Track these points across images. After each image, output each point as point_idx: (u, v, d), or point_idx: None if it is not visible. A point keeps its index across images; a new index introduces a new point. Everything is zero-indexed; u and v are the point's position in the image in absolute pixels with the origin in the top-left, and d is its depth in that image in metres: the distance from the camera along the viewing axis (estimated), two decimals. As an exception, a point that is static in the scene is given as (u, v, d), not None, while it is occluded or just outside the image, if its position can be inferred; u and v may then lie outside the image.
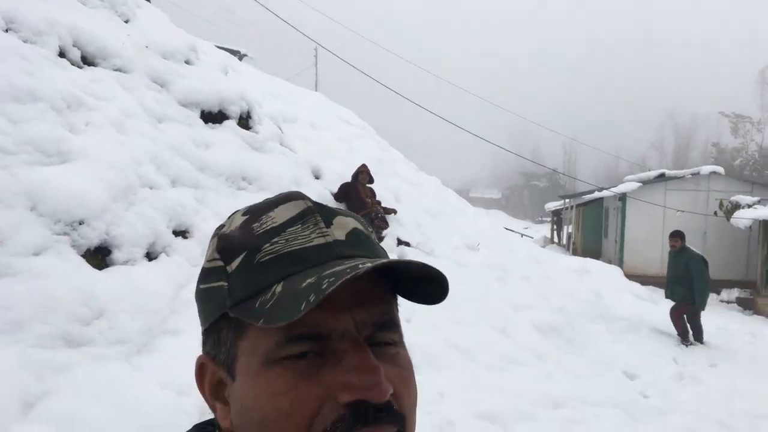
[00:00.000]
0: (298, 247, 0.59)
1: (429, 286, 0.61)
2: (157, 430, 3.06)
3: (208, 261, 0.64)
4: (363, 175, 8.35)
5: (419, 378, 0.64)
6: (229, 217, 0.66)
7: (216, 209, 5.35)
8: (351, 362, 0.56)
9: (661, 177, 19.32)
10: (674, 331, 8.30)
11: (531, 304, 7.02)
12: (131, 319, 3.69)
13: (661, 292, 13.29)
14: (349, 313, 0.58)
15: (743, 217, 15.27)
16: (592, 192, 22.55)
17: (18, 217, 3.63)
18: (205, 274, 0.63)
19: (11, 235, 3.52)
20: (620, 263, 17.19)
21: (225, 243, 0.62)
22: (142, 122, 5.41)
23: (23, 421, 2.77)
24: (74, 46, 5.38)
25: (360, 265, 0.54)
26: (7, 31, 4.91)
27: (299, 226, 0.61)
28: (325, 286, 0.53)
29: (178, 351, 3.69)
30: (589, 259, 13.74)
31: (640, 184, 18.62)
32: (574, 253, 21.92)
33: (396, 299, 0.64)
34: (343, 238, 0.61)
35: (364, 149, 10.04)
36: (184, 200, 5.02)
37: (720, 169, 18.69)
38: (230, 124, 6.47)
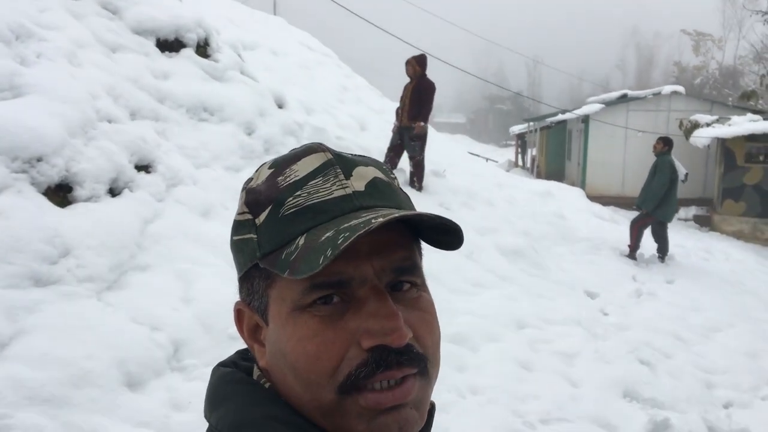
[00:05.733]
0: (320, 200, 0.62)
1: (446, 235, 0.64)
2: (132, 364, 3.10)
3: (238, 214, 0.67)
4: (408, 67, 7.36)
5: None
6: (257, 170, 0.69)
7: (178, 142, 5.25)
8: (371, 308, 0.60)
9: (623, 98, 19.46)
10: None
11: (496, 228, 7.15)
12: (99, 256, 3.66)
13: (622, 212, 13.67)
14: (368, 261, 0.61)
15: (702, 136, 15.56)
16: (555, 115, 22.65)
17: (-27, 156, 3.52)
18: (237, 227, 0.67)
19: (-33, 175, 3.42)
20: (582, 185, 17.50)
21: (252, 197, 0.66)
22: (96, 53, 5.20)
23: (-4, 361, 2.78)
24: (17, -29, 5.07)
25: (373, 220, 0.57)
26: (-58, -44, 4.61)
27: (320, 178, 0.63)
28: (340, 241, 0.56)
29: (149, 286, 3.71)
30: (552, 182, 13.96)
31: (603, 105, 18.74)
32: (538, 176, 22.22)
33: (418, 244, 0.67)
34: (362, 188, 0.64)
35: (327, 76, 9.86)
36: (145, 133, 4.90)
37: (681, 89, 18.89)
38: (188, 53, 6.26)
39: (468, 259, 6.12)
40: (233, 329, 3.70)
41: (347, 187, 0.63)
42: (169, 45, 6.15)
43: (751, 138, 14.79)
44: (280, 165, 0.66)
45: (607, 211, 11.86)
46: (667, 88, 18.78)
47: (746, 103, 19.02)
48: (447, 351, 4.00)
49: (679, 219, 15.88)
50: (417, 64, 7.33)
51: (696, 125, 16.06)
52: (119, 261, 3.78)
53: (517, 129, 32.39)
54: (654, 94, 18.64)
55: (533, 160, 26.76)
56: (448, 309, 4.78)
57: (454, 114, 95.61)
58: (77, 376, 2.85)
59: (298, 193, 0.62)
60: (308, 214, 0.61)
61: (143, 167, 4.66)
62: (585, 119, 18.48)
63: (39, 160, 3.81)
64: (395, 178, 0.70)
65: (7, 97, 3.95)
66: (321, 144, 0.67)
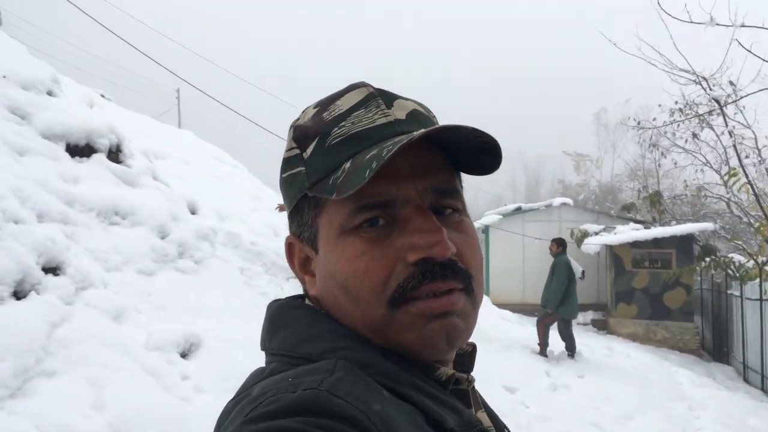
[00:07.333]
0: (363, 128, 0.65)
1: (484, 155, 0.67)
2: (38, 475, 2.82)
3: (286, 151, 0.70)
4: None
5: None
6: (303, 111, 0.72)
7: (88, 245, 5.06)
8: (415, 225, 0.63)
9: (518, 210, 20.62)
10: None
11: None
12: (2, 361, 3.39)
13: (526, 318, 14.08)
14: (411, 181, 0.64)
15: (592, 244, 16.59)
16: (457, 226, 23.50)
17: None
18: (285, 163, 0.70)
19: None
20: (487, 292, 17.98)
21: (300, 132, 0.69)
22: (2, 155, 5.05)
23: None
24: None
25: (415, 133, 0.61)
26: None
27: (363, 109, 0.66)
28: (384, 153, 0.59)
29: (57, 393, 3.44)
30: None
31: (501, 216, 19.74)
32: (443, 285, 22.59)
33: (458, 173, 0.71)
34: (403, 117, 0.67)
35: (239, 186, 9.89)
36: (54, 235, 4.70)
37: (569, 201, 20.34)
38: (99, 158, 6.16)
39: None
40: (151, 435, 3.46)
41: (389, 115, 0.66)
42: (80, 150, 6.04)
43: (636, 245, 15.90)
44: (324, 103, 0.70)
45: (513, 315, 12.20)
46: (558, 200, 20.16)
47: (627, 214, 20.60)
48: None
49: (578, 324, 16.50)
50: None
51: (586, 234, 17.15)
52: (24, 366, 3.50)
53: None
54: (546, 206, 19.92)
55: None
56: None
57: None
58: (-23, 491, 2.56)
59: (342, 123, 0.66)
60: (353, 141, 0.64)
61: (51, 269, 4.44)
62: (485, 230, 19.32)
63: (-61, 258, 3.56)
64: (435, 117, 0.74)
65: None
66: (363, 81, 0.70)
